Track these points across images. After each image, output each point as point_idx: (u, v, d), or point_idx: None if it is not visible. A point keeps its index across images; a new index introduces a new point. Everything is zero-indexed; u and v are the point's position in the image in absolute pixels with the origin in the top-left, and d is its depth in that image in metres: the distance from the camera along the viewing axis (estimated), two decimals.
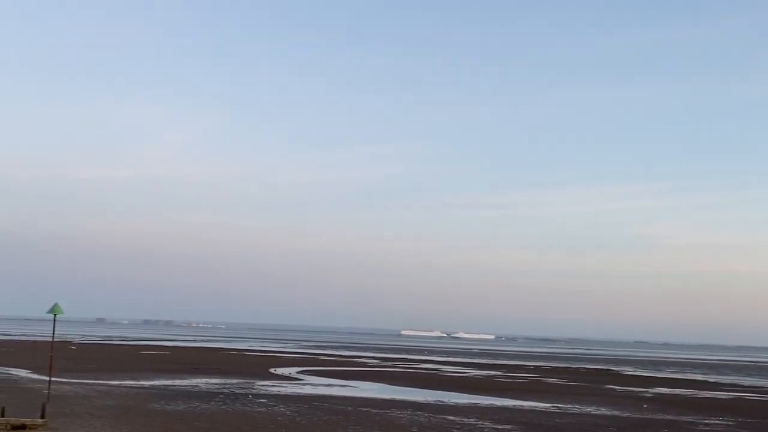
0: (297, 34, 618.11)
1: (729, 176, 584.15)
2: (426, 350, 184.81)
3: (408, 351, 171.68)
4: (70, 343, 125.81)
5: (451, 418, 39.68)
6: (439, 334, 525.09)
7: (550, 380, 79.86)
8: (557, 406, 49.45)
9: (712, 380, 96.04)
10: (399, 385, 63.01)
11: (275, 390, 52.31)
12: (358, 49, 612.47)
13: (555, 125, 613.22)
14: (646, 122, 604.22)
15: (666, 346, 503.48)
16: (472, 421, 38.90)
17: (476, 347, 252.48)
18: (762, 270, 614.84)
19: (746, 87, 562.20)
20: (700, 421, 43.97)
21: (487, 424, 38.03)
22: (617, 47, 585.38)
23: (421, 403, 47.08)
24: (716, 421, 44.19)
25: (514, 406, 48.74)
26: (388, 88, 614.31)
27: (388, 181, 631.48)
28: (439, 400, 49.88)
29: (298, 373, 73.64)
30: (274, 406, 41.53)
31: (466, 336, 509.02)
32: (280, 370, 75.64)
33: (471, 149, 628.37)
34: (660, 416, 45.76)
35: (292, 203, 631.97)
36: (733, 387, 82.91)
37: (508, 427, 37.41)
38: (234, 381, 58.57)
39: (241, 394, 48.05)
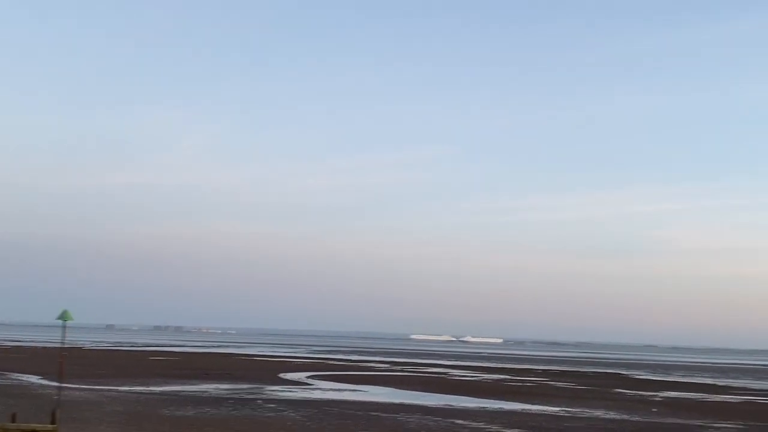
0: (311, 38, 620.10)
1: (741, 180, 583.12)
2: (435, 354, 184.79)
3: (417, 355, 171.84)
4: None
5: (460, 422, 39.75)
6: (449, 338, 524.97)
7: (559, 384, 79.80)
8: (566, 410, 49.44)
9: (721, 384, 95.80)
10: (408, 390, 63.11)
11: (285, 395, 52.44)
12: (373, 53, 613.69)
13: (571, 129, 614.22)
14: (663, 126, 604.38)
15: (675, 349, 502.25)
16: (481, 425, 38.96)
17: (485, 351, 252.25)
18: None
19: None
20: (710, 425, 43.91)
21: (495, 427, 38.09)
22: (635, 52, 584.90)
23: (430, 407, 47.16)
24: (726, 425, 44.09)
25: (523, 410, 48.80)
26: (403, 92, 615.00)
27: (399, 187, 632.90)
28: (448, 404, 49.97)
29: (307, 378, 73.77)
30: (284, 411, 41.65)
31: (475, 340, 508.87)
32: (289, 375, 75.79)
33: (482, 154, 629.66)
34: (669, 420, 45.71)
35: (302, 209, 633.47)
36: (743, 390, 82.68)
37: (516, 430, 37.47)
38: (244, 386, 58.73)
39: (251, 399, 48.20)
